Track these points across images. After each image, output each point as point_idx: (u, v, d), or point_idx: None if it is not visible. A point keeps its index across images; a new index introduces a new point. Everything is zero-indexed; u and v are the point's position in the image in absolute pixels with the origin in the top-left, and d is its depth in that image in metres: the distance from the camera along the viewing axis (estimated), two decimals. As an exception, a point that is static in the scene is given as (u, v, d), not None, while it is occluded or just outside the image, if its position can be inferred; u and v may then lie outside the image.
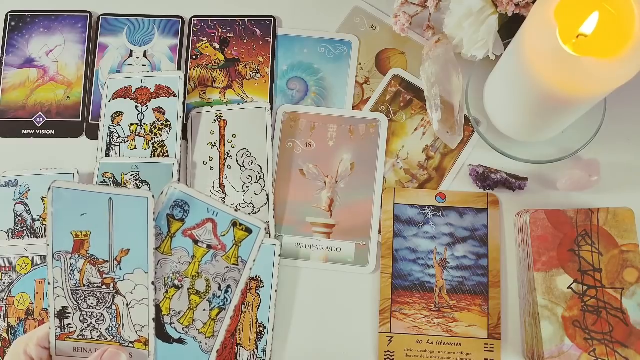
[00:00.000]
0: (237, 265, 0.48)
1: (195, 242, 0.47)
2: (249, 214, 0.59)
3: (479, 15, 0.55)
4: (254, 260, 0.48)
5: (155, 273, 0.46)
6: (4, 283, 0.58)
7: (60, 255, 0.45)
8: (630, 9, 0.44)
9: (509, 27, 0.56)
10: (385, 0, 0.65)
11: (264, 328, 0.57)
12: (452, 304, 0.58)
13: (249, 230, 0.48)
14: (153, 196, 0.45)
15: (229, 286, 0.48)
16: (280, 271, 0.59)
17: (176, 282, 0.47)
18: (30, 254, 0.59)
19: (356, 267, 0.59)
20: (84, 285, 0.46)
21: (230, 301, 0.48)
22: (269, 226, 0.59)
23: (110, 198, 0.45)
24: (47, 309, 0.57)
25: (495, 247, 0.58)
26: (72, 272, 0.45)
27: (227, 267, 0.48)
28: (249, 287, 0.57)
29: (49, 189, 0.45)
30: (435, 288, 0.58)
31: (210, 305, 0.48)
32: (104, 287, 0.46)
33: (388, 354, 0.57)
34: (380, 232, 0.60)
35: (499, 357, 0.57)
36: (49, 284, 0.46)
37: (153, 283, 0.46)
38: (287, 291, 0.59)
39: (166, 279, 0.47)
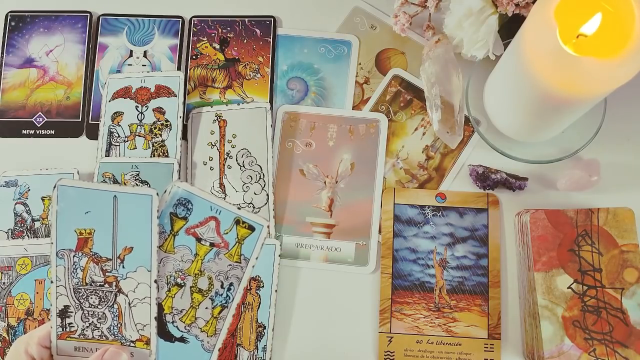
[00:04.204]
0: (240, 263, 0.48)
1: (198, 240, 0.47)
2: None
3: (479, 15, 0.55)
4: (257, 258, 0.48)
5: (158, 271, 0.46)
6: (4, 283, 0.58)
7: (64, 253, 0.45)
8: (630, 9, 0.44)
9: (509, 27, 0.56)
10: (385, 0, 0.65)
11: (264, 328, 0.57)
12: (452, 304, 0.58)
13: (251, 228, 0.48)
14: (157, 194, 0.45)
15: (231, 284, 0.48)
16: (280, 271, 0.59)
17: (178, 280, 0.47)
18: (30, 254, 0.59)
19: (356, 267, 0.59)
20: (87, 284, 0.46)
21: (233, 299, 0.48)
22: (269, 226, 0.59)
23: (115, 196, 0.45)
24: (47, 309, 0.57)
25: (495, 247, 0.58)
26: (74, 271, 0.45)
27: (230, 265, 0.48)
28: (249, 287, 0.57)
29: (55, 186, 0.45)
30: (435, 288, 0.58)
31: (212, 304, 0.47)
32: (106, 285, 0.46)
33: (388, 354, 0.57)
34: (380, 232, 0.60)
35: (499, 357, 0.57)
36: (51, 282, 0.46)
37: (155, 281, 0.46)
38: (287, 291, 0.59)
39: (168, 277, 0.47)
